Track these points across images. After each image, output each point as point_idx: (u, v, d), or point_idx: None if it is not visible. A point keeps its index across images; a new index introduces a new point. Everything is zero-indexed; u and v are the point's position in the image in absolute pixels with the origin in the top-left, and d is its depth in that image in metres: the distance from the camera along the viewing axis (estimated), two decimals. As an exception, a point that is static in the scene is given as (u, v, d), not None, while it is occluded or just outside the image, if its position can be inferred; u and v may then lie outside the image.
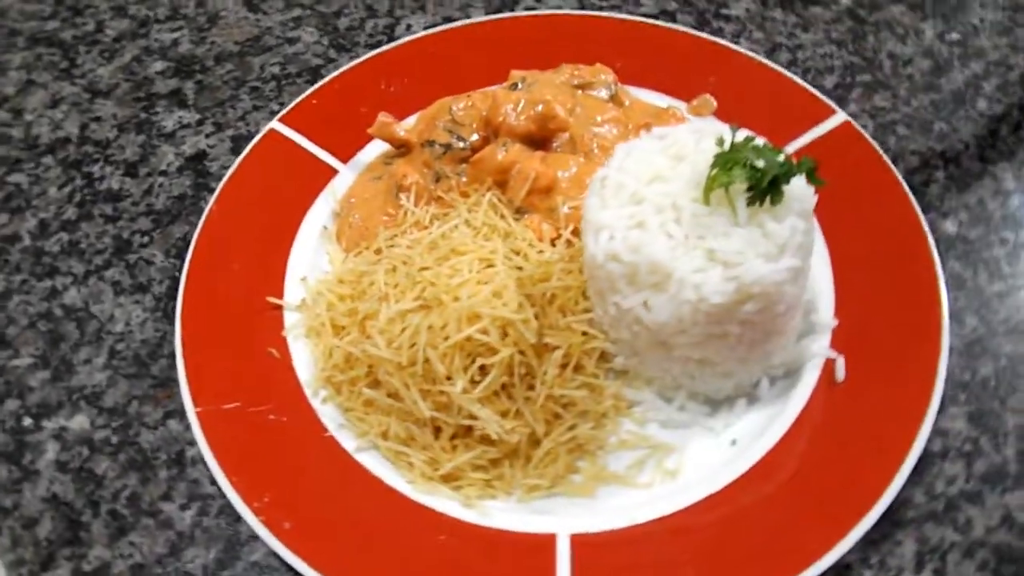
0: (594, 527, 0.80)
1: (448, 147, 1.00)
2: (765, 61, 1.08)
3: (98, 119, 1.15)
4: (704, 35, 1.11)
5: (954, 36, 1.18)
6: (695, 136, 0.85)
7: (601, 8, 1.22)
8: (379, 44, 1.18)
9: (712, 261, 0.78)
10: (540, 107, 0.97)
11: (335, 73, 1.11)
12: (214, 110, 1.15)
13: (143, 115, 1.15)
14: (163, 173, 1.09)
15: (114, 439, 0.91)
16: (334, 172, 1.03)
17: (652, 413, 0.88)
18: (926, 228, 0.94)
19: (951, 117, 1.10)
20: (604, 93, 1.05)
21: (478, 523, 0.81)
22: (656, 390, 0.89)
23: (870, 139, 1.01)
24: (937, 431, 0.87)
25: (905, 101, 1.11)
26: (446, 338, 0.83)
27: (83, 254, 1.03)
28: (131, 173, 1.10)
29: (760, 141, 0.80)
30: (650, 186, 0.82)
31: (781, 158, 0.78)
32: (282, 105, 1.11)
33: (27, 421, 0.92)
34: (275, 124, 1.05)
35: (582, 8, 1.22)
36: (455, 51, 1.12)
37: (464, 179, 0.99)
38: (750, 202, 0.78)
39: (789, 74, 1.07)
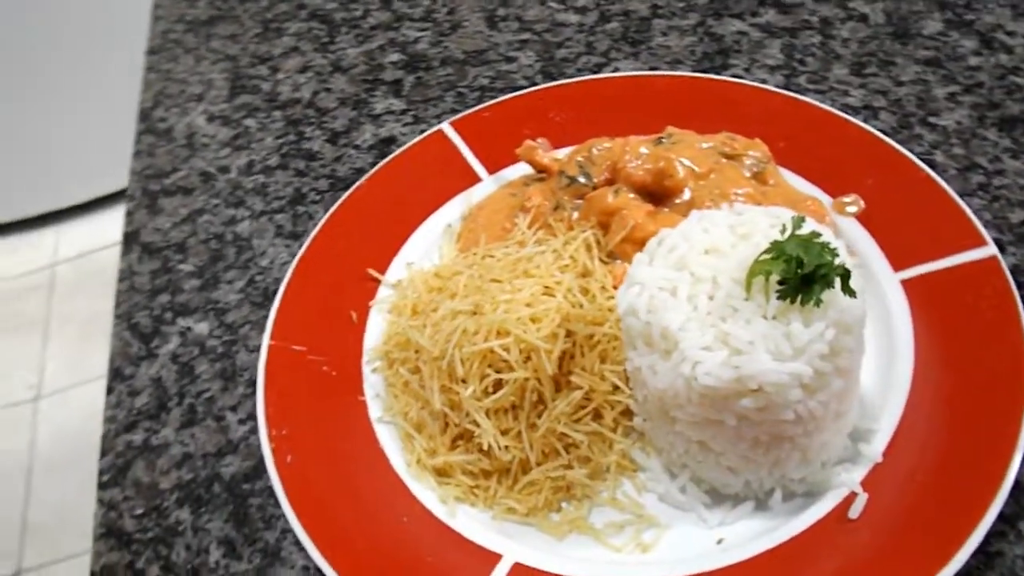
0: (541, 564, 0.82)
1: (573, 180, 1.04)
2: (935, 177, 1.00)
3: (328, 90, 1.33)
4: (884, 138, 1.05)
5: None
6: (770, 220, 0.83)
7: (805, 91, 1.19)
8: (582, 79, 1.25)
9: (722, 344, 0.76)
10: (662, 163, 0.99)
11: (516, 94, 1.19)
12: (420, 104, 1.28)
13: (363, 95, 1.31)
14: (355, 147, 1.24)
15: (219, 349, 1.06)
16: (478, 180, 1.12)
17: (653, 483, 0.87)
18: (1031, 395, 0.83)
19: None
20: (748, 168, 1.03)
21: (441, 519, 0.85)
22: (664, 462, 0.87)
23: (1012, 283, 0.90)
24: (964, 618, 0.78)
25: (1100, 259, 0.98)
26: (474, 344, 0.88)
27: (267, 196, 1.21)
28: (332, 140, 1.26)
29: (826, 239, 0.77)
30: (702, 256, 0.81)
31: (826, 260, 0.74)
32: (475, 114, 1.21)
33: (168, 315, 1.11)
34: (444, 125, 1.15)
35: (786, 87, 1.19)
36: (632, 98, 1.15)
37: (576, 214, 1.02)
38: (780, 296, 0.75)
39: (955, 196, 0.98)
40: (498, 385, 0.87)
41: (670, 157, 0.99)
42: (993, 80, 1.15)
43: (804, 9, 1.29)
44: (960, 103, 1.14)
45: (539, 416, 0.88)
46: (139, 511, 0.95)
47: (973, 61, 1.18)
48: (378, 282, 1.04)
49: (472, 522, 0.86)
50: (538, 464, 0.87)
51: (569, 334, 0.89)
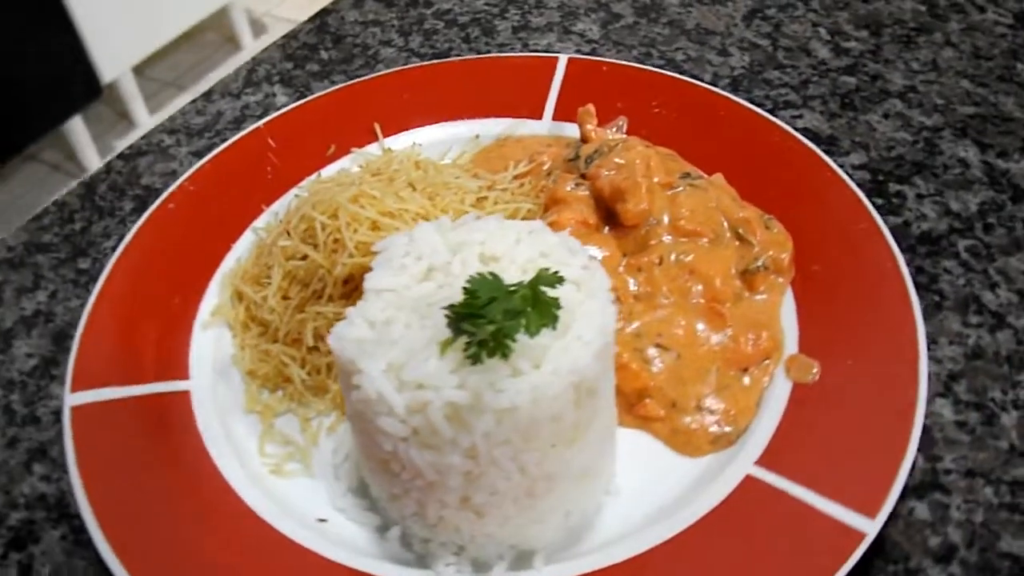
0: (203, 418, 0.82)
1: (576, 158, 0.93)
2: (919, 404, 0.72)
3: (562, -9, 1.30)
4: (921, 338, 0.78)
5: None
6: (581, 267, 0.69)
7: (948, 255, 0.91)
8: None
9: (382, 326, 0.66)
10: (627, 183, 0.84)
11: (639, 65, 1.09)
12: (611, 43, 1.20)
13: (582, 13, 1.26)
14: (525, 45, 1.21)
15: (270, 122, 1.15)
16: (539, 117, 1.05)
17: (343, 433, 0.81)
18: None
19: None
20: (749, 260, 0.84)
21: (193, 332, 0.88)
22: (357, 423, 0.80)
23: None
24: None
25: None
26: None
27: (427, 42, 1.24)
28: (515, 31, 1.24)
29: (556, 310, 0.63)
30: (477, 255, 0.70)
31: (487, 313, 0.61)
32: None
33: (276, 77, 1.22)
34: (562, 56, 1.08)
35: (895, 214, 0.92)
36: (736, 134, 0.97)
37: (552, 185, 0.92)
38: (449, 322, 0.63)
39: (913, 444, 0.70)
40: (305, 257, 0.86)
41: (639, 183, 0.84)
42: None
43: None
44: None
45: (315, 301, 0.85)
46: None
47: None
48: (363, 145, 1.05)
49: (207, 351, 0.87)
50: (283, 343, 0.85)
51: (396, 258, 0.83)
